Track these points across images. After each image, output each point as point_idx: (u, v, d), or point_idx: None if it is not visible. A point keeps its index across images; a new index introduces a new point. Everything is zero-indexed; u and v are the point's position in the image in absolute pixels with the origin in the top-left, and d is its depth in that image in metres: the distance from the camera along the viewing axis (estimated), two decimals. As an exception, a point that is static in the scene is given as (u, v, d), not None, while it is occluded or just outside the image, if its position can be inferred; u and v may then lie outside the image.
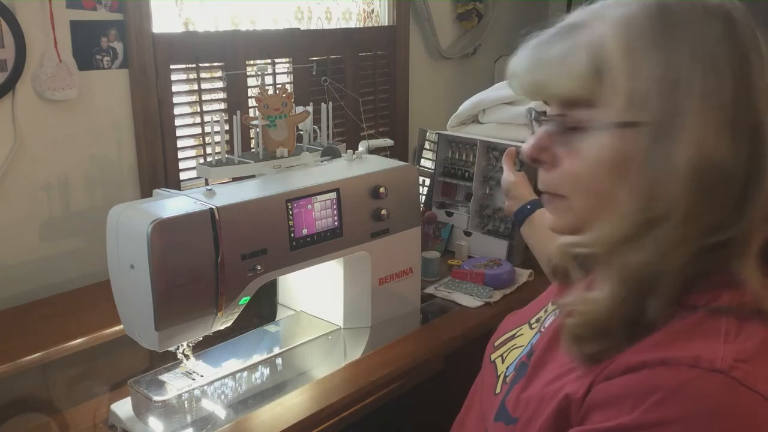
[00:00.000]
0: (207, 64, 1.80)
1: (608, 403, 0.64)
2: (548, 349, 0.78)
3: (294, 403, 1.08)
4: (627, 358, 0.64)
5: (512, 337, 0.92)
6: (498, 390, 0.85)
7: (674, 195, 0.64)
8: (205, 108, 1.80)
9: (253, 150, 1.29)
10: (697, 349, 0.61)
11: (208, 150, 1.63)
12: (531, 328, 0.91)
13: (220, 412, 1.08)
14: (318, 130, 1.40)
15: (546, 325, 0.86)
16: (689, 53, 0.65)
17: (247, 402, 1.10)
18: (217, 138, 1.27)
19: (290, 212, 1.12)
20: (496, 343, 0.94)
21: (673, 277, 0.64)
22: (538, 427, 0.71)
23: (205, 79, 1.81)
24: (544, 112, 0.74)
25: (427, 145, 1.87)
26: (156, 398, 1.08)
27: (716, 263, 0.64)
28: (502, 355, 0.90)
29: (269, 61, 1.93)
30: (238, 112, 1.26)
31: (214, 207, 1.02)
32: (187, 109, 1.77)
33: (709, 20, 0.66)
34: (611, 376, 0.65)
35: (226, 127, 1.40)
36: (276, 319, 1.39)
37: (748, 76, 0.65)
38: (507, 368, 0.87)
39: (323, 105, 1.38)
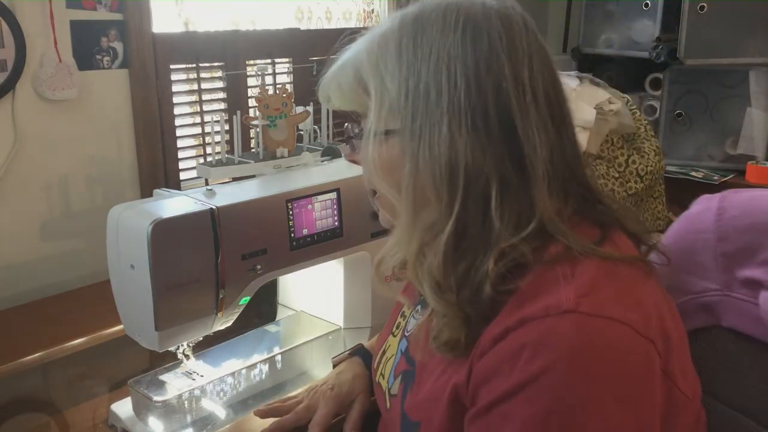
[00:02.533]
0: (207, 64, 1.80)
1: (489, 376, 0.67)
2: (428, 349, 0.80)
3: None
4: (492, 331, 0.68)
5: (383, 352, 0.95)
6: (388, 405, 0.88)
7: (433, 196, 0.70)
8: (205, 108, 1.80)
9: (253, 150, 1.29)
10: (544, 300, 0.65)
11: (208, 150, 1.63)
12: (394, 336, 0.94)
13: (220, 412, 1.08)
14: (318, 130, 1.40)
15: (409, 329, 0.90)
16: (432, 61, 0.70)
17: (247, 402, 1.10)
18: (217, 138, 1.27)
19: (290, 212, 1.12)
20: (375, 366, 0.97)
21: (479, 271, 0.69)
22: (437, 424, 0.73)
23: (205, 79, 1.81)
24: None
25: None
26: (156, 398, 1.08)
27: (527, 241, 0.69)
28: (381, 373, 0.93)
29: (269, 61, 1.93)
30: (238, 112, 1.26)
31: (214, 207, 1.02)
32: (187, 109, 1.77)
33: (455, 30, 0.70)
34: (484, 352, 0.68)
35: (226, 127, 1.40)
36: (276, 319, 1.39)
37: (495, 80, 0.69)
38: (388, 381, 0.89)
39: (323, 105, 1.37)
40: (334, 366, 1.09)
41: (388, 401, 0.88)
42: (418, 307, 0.90)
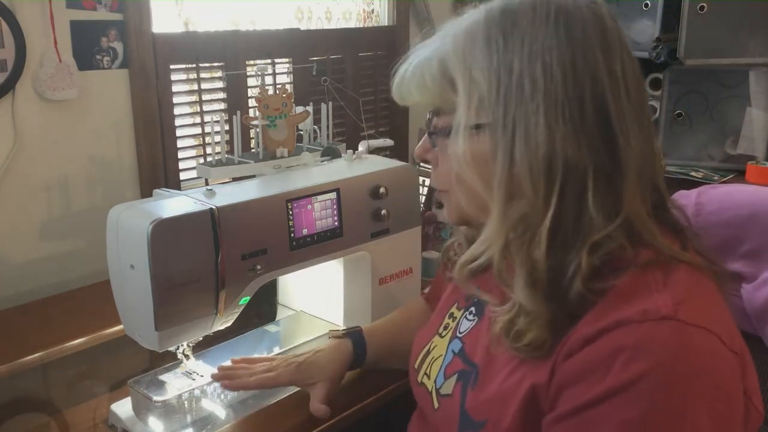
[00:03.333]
0: (207, 64, 1.80)
1: (578, 379, 0.66)
2: (490, 348, 0.80)
3: (294, 404, 1.08)
4: (581, 331, 0.67)
5: (428, 353, 0.94)
6: (436, 405, 0.86)
7: (529, 189, 0.68)
8: (205, 108, 1.80)
9: (253, 150, 1.29)
10: (641, 304, 0.65)
11: (208, 150, 1.63)
12: (442, 337, 0.93)
13: (220, 412, 1.08)
14: (318, 130, 1.40)
15: (462, 330, 0.89)
16: (525, 52, 0.69)
17: (247, 402, 1.10)
18: (217, 138, 1.27)
19: (290, 212, 1.12)
20: (416, 366, 0.95)
21: (572, 265, 0.68)
22: (508, 424, 0.72)
23: (205, 79, 1.82)
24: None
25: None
26: (156, 398, 1.08)
27: (616, 238, 0.68)
28: (426, 373, 0.92)
29: (269, 61, 1.93)
30: (238, 112, 1.26)
31: (214, 207, 1.02)
32: (187, 109, 1.78)
33: (547, 21, 0.69)
34: (572, 353, 0.67)
35: (226, 127, 1.40)
36: (276, 319, 1.39)
37: (592, 72, 0.68)
38: (435, 381, 0.88)
39: (323, 105, 1.38)
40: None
41: (436, 401, 0.86)
42: (472, 309, 0.89)
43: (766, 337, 0.86)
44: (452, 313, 0.94)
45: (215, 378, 1.08)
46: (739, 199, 0.87)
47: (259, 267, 1.08)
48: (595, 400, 0.64)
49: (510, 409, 0.72)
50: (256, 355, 1.16)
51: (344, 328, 1.16)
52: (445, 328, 0.93)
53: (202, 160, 1.50)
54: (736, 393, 0.66)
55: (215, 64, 1.82)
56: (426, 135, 0.81)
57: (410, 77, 0.77)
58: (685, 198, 0.92)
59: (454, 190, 0.77)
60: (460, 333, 0.89)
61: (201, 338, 1.10)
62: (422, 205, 1.77)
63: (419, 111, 2.34)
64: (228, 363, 1.12)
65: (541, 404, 0.70)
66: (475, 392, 0.79)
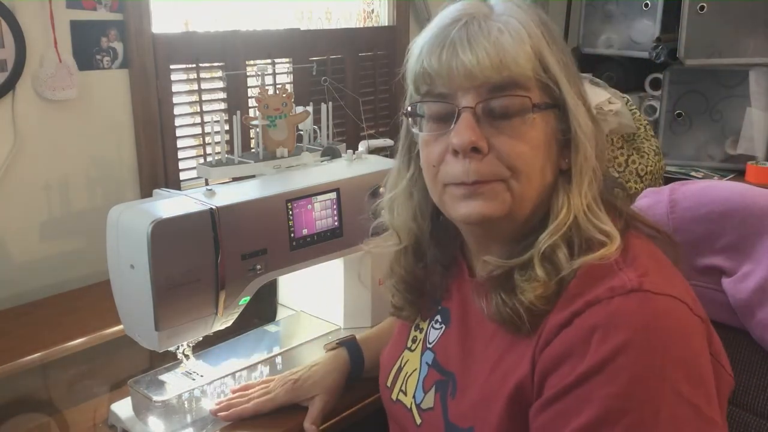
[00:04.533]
0: (207, 64, 1.80)
1: (558, 363, 0.68)
2: (463, 354, 0.81)
3: (294, 404, 1.08)
4: (554, 319, 0.69)
5: (399, 369, 0.93)
6: (419, 420, 0.86)
7: (594, 165, 0.74)
8: (205, 108, 1.80)
9: (253, 150, 1.29)
10: (607, 282, 0.68)
11: (208, 150, 1.63)
12: (411, 351, 0.92)
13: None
14: (318, 130, 1.40)
15: (431, 340, 0.89)
16: (562, 46, 0.77)
17: (247, 402, 1.10)
18: (217, 138, 1.27)
19: (290, 212, 1.12)
20: (388, 384, 0.95)
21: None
22: (495, 424, 0.73)
23: (205, 79, 1.81)
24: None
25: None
26: (156, 398, 1.08)
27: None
28: (401, 389, 0.91)
29: (269, 61, 1.93)
30: (238, 112, 1.26)
31: (214, 207, 1.02)
32: (187, 109, 1.77)
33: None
34: (549, 341, 0.69)
35: (226, 127, 1.40)
36: (276, 319, 1.39)
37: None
38: (414, 396, 0.88)
39: (323, 105, 1.38)
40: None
41: (417, 416, 0.86)
42: (437, 317, 0.89)
43: (752, 329, 0.86)
44: (418, 325, 0.93)
45: (214, 413, 1.04)
46: (715, 195, 0.89)
47: (259, 267, 1.08)
48: (578, 380, 0.65)
49: (495, 408, 0.73)
50: (252, 381, 1.13)
51: (337, 339, 1.14)
52: (414, 341, 0.93)
53: (202, 160, 1.50)
54: (706, 355, 0.69)
55: (215, 64, 1.82)
56: (471, 120, 0.73)
57: (512, 42, 0.72)
58: (657, 195, 0.93)
59: (514, 174, 0.74)
60: (429, 344, 0.89)
61: (201, 338, 1.10)
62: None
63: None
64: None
65: (527, 397, 0.71)
66: (456, 401, 0.80)
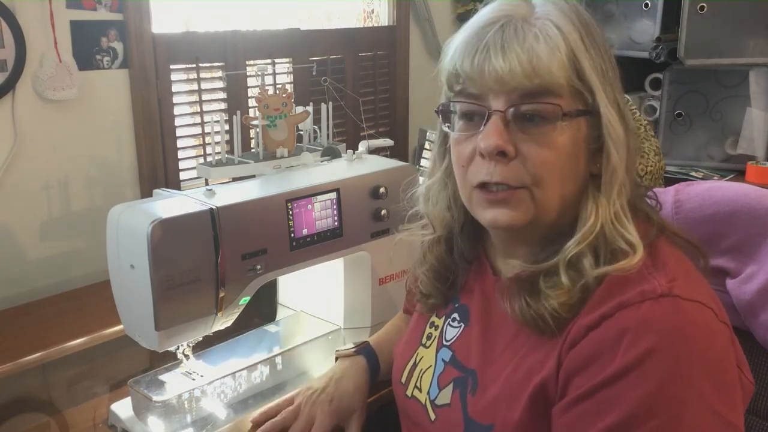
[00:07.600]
0: (207, 64, 1.80)
1: (587, 364, 0.68)
2: (484, 352, 0.81)
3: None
4: (582, 321, 0.70)
5: (414, 366, 0.93)
6: (433, 416, 0.86)
7: (628, 171, 0.75)
8: (205, 108, 1.80)
9: (253, 150, 1.29)
10: (637, 287, 0.68)
11: (208, 150, 1.63)
12: (426, 348, 0.92)
13: (220, 412, 1.08)
14: (318, 130, 1.40)
15: (449, 338, 0.89)
16: (602, 49, 0.76)
17: (247, 402, 1.10)
18: (217, 138, 1.27)
19: (290, 212, 1.12)
20: (402, 380, 0.94)
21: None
22: (516, 421, 0.73)
23: (205, 79, 1.82)
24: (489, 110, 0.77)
25: (427, 145, 1.87)
26: (156, 398, 1.08)
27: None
28: (417, 386, 0.91)
29: (269, 61, 1.93)
30: (238, 112, 1.26)
31: (214, 207, 1.02)
32: (187, 109, 1.78)
33: (593, 19, 0.78)
34: (576, 342, 0.69)
35: (226, 127, 1.40)
36: (276, 319, 1.39)
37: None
38: (429, 392, 0.88)
39: (323, 105, 1.38)
40: (337, 360, 1.09)
41: (432, 413, 0.86)
42: (455, 315, 0.89)
43: (755, 330, 0.86)
44: (433, 322, 0.93)
45: None
46: (719, 196, 0.89)
47: (259, 267, 1.08)
48: (605, 382, 0.66)
49: (517, 406, 0.73)
50: (271, 404, 1.05)
51: (351, 346, 1.10)
52: (429, 338, 0.93)
53: (202, 160, 1.50)
54: (732, 361, 0.70)
55: (215, 64, 1.82)
56: (499, 125, 0.73)
57: (546, 50, 0.72)
58: (662, 195, 0.93)
59: (540, 181, 0.73)
60: (446, 341, 0.89)
61: (201, 338, 1.10)
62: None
63: (419, 111, 2.35)
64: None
65: (550, 396, 0.71)
66: (477, 397, 0.79)
